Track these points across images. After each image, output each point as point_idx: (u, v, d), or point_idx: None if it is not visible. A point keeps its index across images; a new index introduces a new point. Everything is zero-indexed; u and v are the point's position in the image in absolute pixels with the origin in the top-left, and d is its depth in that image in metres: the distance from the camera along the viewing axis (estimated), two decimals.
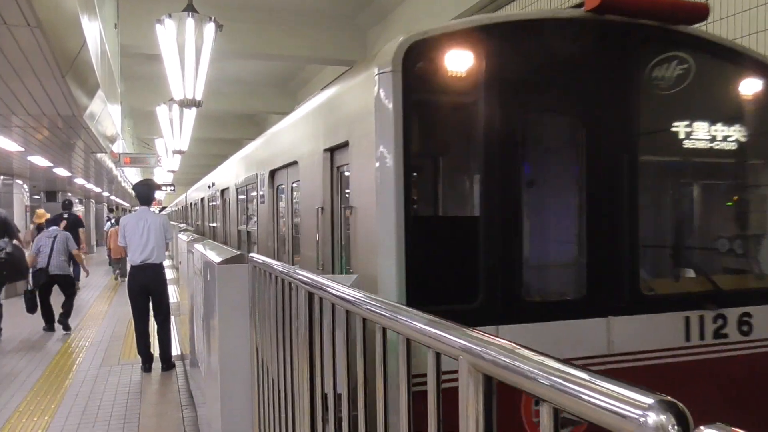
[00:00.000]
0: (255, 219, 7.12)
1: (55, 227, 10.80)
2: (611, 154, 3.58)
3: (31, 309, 9.93)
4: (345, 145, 3.77)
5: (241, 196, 8.45)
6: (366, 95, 3.36)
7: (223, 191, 10.42)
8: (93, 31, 6.49)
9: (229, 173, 9.69)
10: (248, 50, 13.90)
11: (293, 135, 5.39)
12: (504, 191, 3.40)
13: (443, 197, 4.20)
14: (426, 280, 3.21)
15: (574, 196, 3.68)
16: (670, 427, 0.73)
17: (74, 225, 14.75)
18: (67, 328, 10.26)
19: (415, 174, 3.39)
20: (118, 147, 16.67)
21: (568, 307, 3.57)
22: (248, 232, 7.80)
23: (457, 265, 3.41)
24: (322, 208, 4.18)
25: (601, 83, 3.60)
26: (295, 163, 5.09)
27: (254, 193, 7.19)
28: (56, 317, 10.31)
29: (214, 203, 12.15)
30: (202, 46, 8.28)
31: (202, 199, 14.58)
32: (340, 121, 3.96)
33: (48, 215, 13.17)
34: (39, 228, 12.06)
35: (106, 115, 9.47)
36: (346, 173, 3.94)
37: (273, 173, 6.15)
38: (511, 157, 3.43)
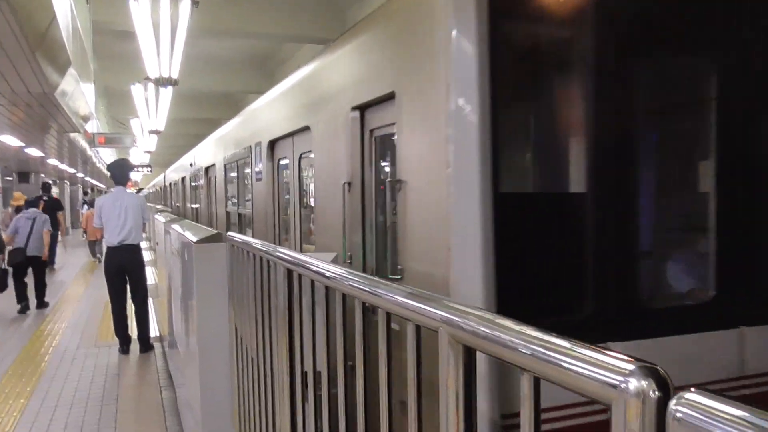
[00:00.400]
0: (249, 199, 6.30)
1: (34, 209, 10.99)
2: (749, 112, 2.80)
3: (1, 288, 9.91)
4: (387, 99, 2.93)
5: (231, 173, 7.52)
6: (426, 25, 2.53)
7: (207, 169, 9.60)
8: (63, 7, 6.31)
9: (215, 148, 8.75)
10: (225, 28, 13.64)
11: (303, 94, 4.49)
12: (619, 160, 2.61)
13: (539, 167, 3.01)
14: (522, 280, 2.48)
15: (703, 167, 2.90)
16: (651, 392, 0.73)
17: (53, 207, 14.80)
18: (44, 305, 10.44)
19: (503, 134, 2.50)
20: (92, 127, 16.35)
21: (691, 315, 2.77)
22: (239, 215, 7.07)
23: (559, 259, 2.61)
24: (349, 184, 3.38)
25: (732, 15, 2.81)
26: (305, 129, 4.23)
27: (248, 170, 6.28)
28: (31, 301, 10.37)
29: (196, 183, 11.28)
30: (177, 23, 8.12)
31: (183, 178, 13.77)
32: (380, 68, 3.06)
33: (25, 197, 13.22)
34: (17, 209, 12.14)
35: (78, 93, 9.26)
36: (390, 136, 3.07)
37: (273, 144, 5.29)
38: (628, 114, 2.66)
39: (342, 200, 3.43)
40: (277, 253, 2.39)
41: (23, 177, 23.78)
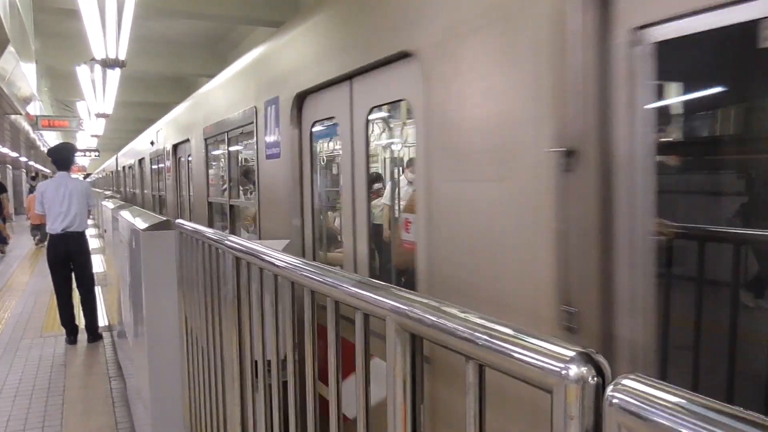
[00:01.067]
0: (249, 187, 4.86)
1: None
2: None
3: None
4: None
5: (217, 150, 5.82)
6: None
7: (176, 147, 7.77)
8: None
9: (190, 118, 6.80)
10: (175, 8, 13.27)
11: None
12: None
13: None
14: None
15: None
16: (590, 378, 0.75)
17: None
18: None
19: None
20: (34, 109, 15.73)
21: None
22: (231, 207, 5.46)
23: None
24: (571, 154, 1.64)
25: None
26: (396, 58, 2.56)
27: (247, 142, 4.73)
28: None
29: (159, 165, 9.42)
30: (124, 1, 7.86)
31: (141, 161, 11.86)
32: None
33: None
34: None
35: (19, 73, 8.88)
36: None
37: (302, 99, 3.55)
38: None
39: (553, 189, 1.71)
40: (226, 242, 2.35)
41: None
